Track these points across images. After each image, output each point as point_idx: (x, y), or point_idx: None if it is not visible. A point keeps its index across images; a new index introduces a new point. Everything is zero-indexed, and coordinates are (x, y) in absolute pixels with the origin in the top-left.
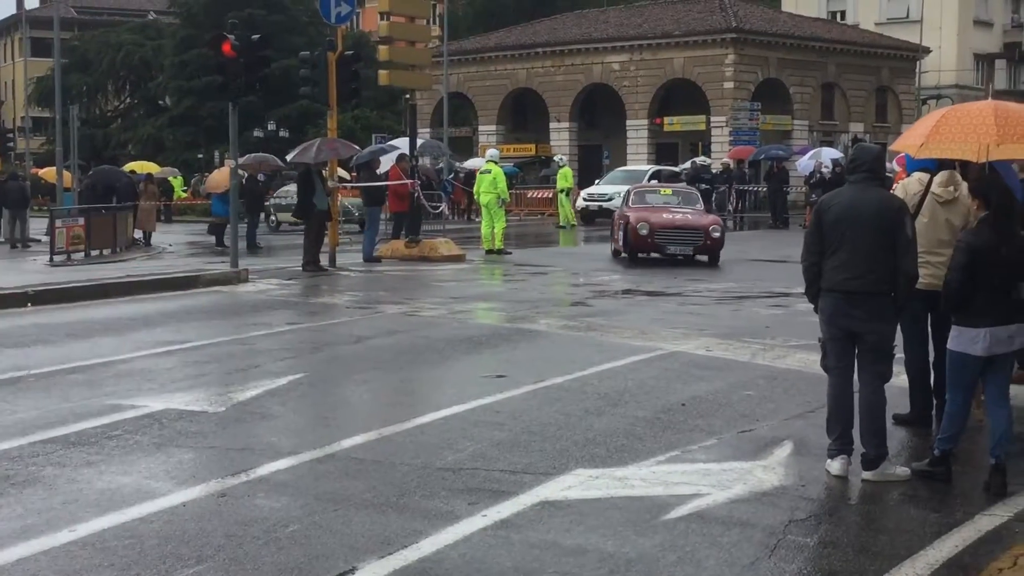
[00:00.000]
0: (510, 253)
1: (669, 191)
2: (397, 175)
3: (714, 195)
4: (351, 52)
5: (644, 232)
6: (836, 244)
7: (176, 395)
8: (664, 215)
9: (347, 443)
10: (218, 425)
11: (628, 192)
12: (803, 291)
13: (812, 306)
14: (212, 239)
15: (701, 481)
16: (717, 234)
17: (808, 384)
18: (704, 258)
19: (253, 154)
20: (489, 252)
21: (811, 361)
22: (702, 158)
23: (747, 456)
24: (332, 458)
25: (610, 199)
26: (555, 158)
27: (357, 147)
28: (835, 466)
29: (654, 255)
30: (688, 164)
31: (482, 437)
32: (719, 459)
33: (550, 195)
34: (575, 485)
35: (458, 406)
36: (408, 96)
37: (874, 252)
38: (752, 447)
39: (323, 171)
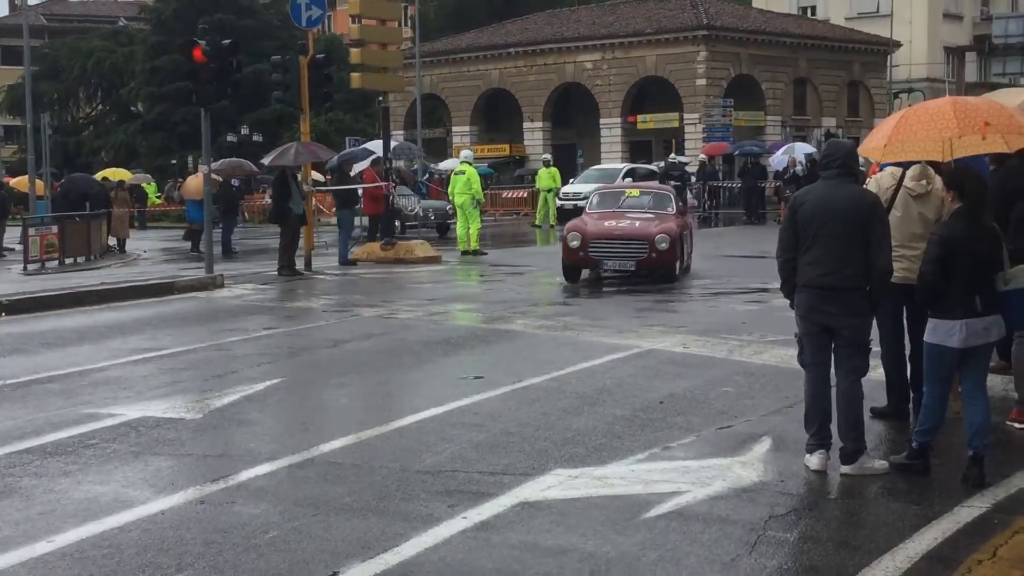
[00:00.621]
0: (486, 254)
1: (637, 192)
2: (372, 178)
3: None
4: (322, 55)
5: (575, 244)
6: (810, 240)
7: (153, 403)
8: (606, 223)
9: (326, 448)
10: (196, 432)
11: (592, 194)
12: (779, 287)
13: (788, 302)
14: (187, 245)
15: (680, 479)
16: (664, 245)
17: (785, 380)
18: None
19: (227, 159)
20: (465, 253)
21: (788, 357)
22: (672, 156)
23: (726, 453)
24: (311, 463)
25: (585, 198)
26: (543, 157)
27: (332, 151)
28: (814, 461)
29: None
30: (662, 162)
31: (461, 439)
32: (698, 456)
33: (525, 195)
34: (555, 485)
35: (436, 408)
36: (381, 99)
37: (848, 247)
38: (731, 443)
39: (298, 175)
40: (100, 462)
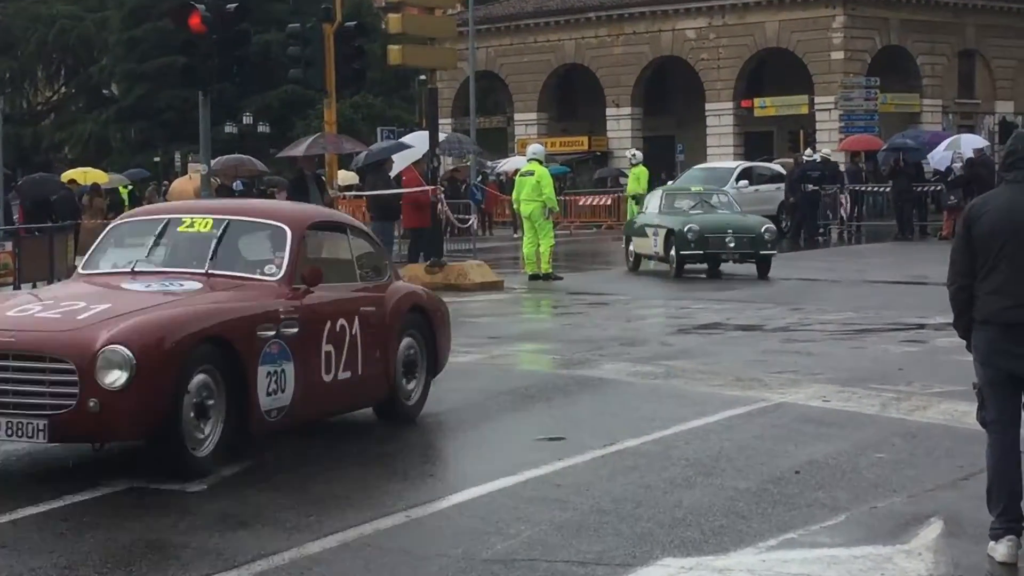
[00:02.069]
0: (561, 278)
1: (203, 223)
2: (414, 180)
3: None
4: (353, 23)
5: None
6: (991, 262)
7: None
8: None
9: (367, 528)
10: (202, 500)
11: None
12: (947, 321)
13: (963, 343)
14: None
15: (826, 572)
16: (117, 379)
17: (959, 443)
18: None
19: (226, 156)
20: (534, 277)
21: (962, 413)
22: (809, 151)
23: (884, 538)
24: (347, 548)
25: None
26: (628, 153)
27: (364, 144)
28: (1000, 550)
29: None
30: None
31: (539, 518)
32: (847, 543)
33: (608, 202)
34: None
35: (506, 478)
36: (424, 78)
37: None
38: (889, 526)
39: (321, 175)
40: (66, 542)
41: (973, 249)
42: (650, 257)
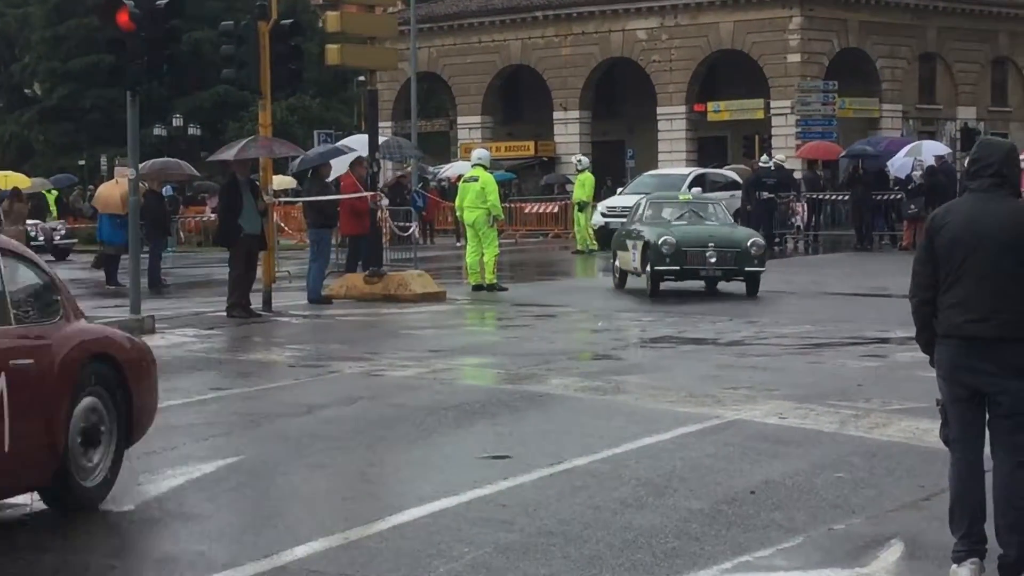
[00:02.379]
0: (506, 289)
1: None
2: (352, 186)
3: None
4: (289, 21)
5: None
6: (954, 275)
7: None
8: None
9: (301, 551)
10: (126, 530)
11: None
12: (908, 336)
13: (924, 357)
14: (100, 275)
15: None
16: None
17: (921, 462)
18: None
19: (155, 159)
20: (477, 288)
21: (923, 431)
22: (765, 157)
23: (842, 562)
24: (283, 572)
25: None
26: (575, 159)
27: (300, 148)
28: (963, 574)
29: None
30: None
31: (484, 540)
32: (805, 566)
33: (555, 209)
34: None
35: (448, 498)
36: (363, 79)
37: (1006, 285)
38: (848, 549)
39: (255, 180)
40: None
41: (936, 260)
42: (636, 273)
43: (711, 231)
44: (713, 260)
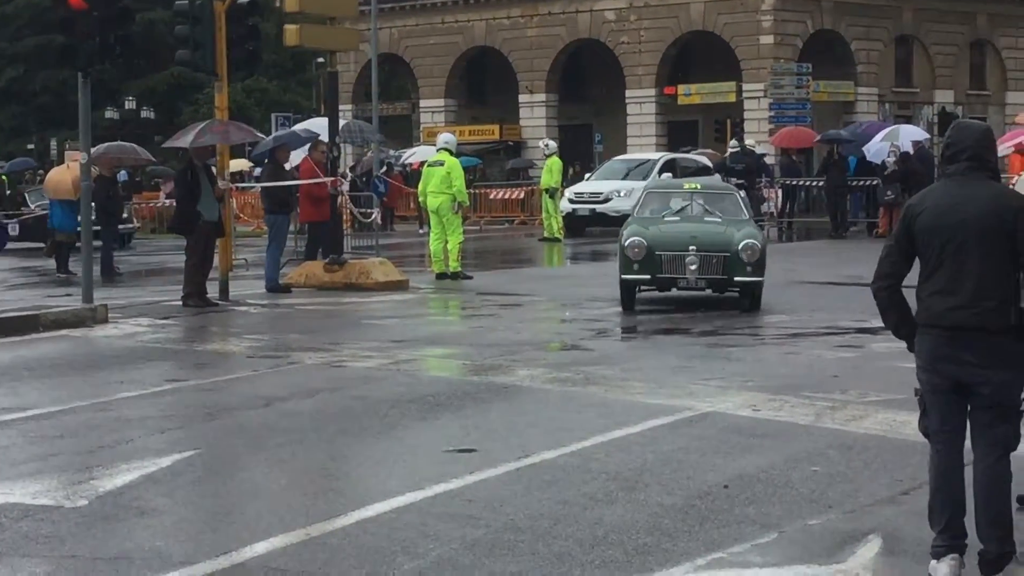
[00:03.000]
0: (470, 277)
1: (696, 185)
2: (310, 171)
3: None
4: (246, 1)
5: None
6: (935, 262)
7: (18, 484)
8: None
9: (260, 548)
10: (80, 525)
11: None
12: (884, 326)
13: (903, 348)
14: (51, 263)
15: None
16: None
17: (898, 455)
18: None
19: (107, 144)
20: (441, 276)
21: (901, 423)
22: (733, 142)
23: (819, 558)
24: (242, 569)
25: (606, 200)
26: (542, 143)
27: (258, 133)
28: (942, 570)
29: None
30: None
31: (449, 536)
32: (780, 562)
33: (520, 195)
34: None
35: (412, 493)
36: (323, 60)
37: (986, 272)
38: (825, 544)
39: (211, 165)
40: None
41: (912, 248)
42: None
43: (696, 230)
44: (694, 267)
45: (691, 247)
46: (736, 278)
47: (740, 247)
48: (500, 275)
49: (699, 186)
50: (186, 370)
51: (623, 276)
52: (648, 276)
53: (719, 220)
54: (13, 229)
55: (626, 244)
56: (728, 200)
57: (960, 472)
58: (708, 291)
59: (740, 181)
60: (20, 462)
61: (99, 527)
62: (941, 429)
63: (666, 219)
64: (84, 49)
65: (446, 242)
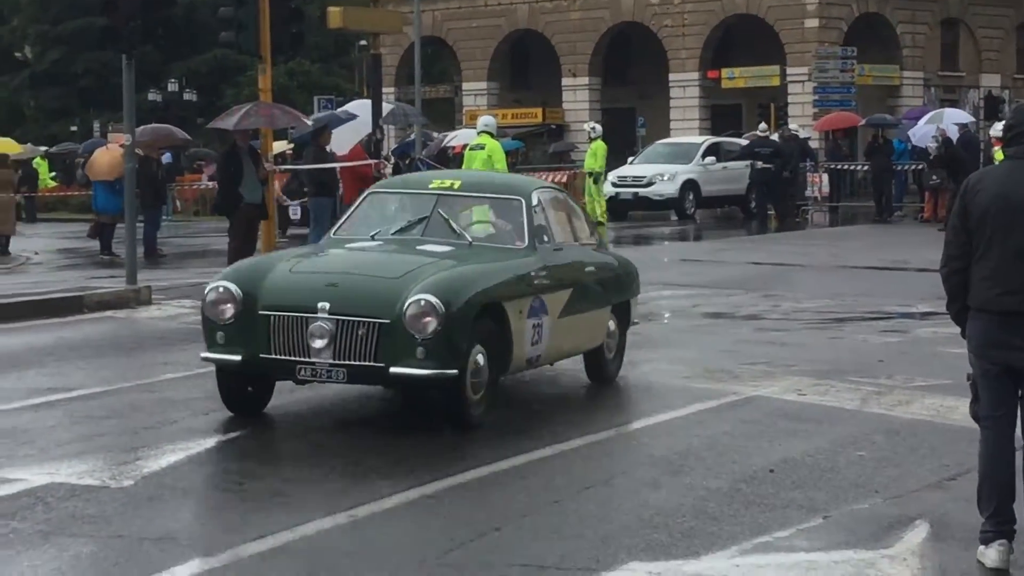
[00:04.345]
0: None
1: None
2: (360, 154)
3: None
4: None
5: None
6: (986, 245)
7: (64, 464)
8: None
9: (310, 528)
10: (125, 505)
11: None
12: (930, 310)
13: (948, 333)
14: (94, 244)
15: None
16: None
17: (946, 440)
18: None
19: (150, 126)
20: None
21: (947, 408)
22: (762, 126)
23: (865, 542)
24: (287, 550)
25: (649, 184)
26: (587, 126)
27: (302, 116)
28: (991, 555)
29: None
30: (774, 135)
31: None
32: (826, 547)
33: (564, 179)
34: None
35: (460, 476)
36: (365, 43)
37: None
38: (872, 530)
39: (255, 147)
40: None
41: (969, 229)
42: None
43: (349, 268)
44: (322, 343)
45: (321, 304)
46: (394, 369)
47: (407, 309)
48: None
49: (457, 184)
50: None
51: (203, 355)
52: (238, 357)
53: (447, 251)
54: None
55: (207, 294)
56: (507, 211)
57: (1011, 457)
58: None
59: (767, 166)
60: (66, 442)
61: (145, 507)
62: (992, 414)
63: (353, 246)
64: (127, 31)
65: None
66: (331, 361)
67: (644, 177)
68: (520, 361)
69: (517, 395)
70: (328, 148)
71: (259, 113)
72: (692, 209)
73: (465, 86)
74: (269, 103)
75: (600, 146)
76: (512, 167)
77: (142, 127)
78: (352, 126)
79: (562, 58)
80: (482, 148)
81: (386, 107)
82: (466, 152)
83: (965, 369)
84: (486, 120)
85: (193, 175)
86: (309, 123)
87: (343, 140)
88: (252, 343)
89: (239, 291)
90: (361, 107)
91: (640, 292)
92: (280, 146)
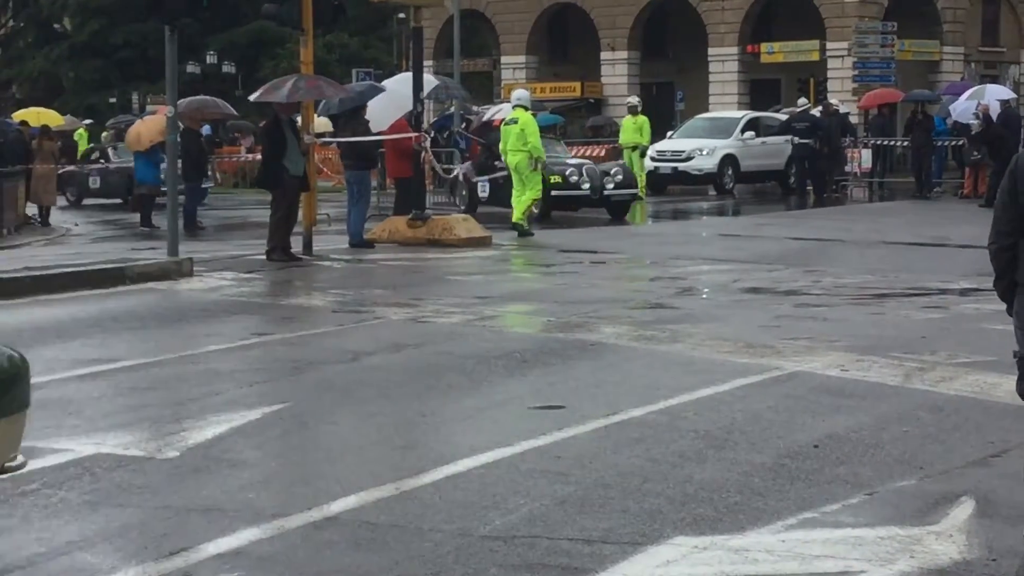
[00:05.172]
0: (531, 234)
1: None
2: (402, 128)
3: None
4: None
5: None
6: None
7: (110, 435)
8: None
9: (352, 501)
10: (171, 476)
11: None
12: (972, 287)
13: (992, 309)
14: (135, 217)
15: (851, 554)
16: None
17: (991, 417)
18: None
19: (190, 98)
20: (514, 227)
21: (991, 385)
22: (802, 100)
23: (911, 519)
24: (334, 522)
25: (688, 158)
26: (631, 99)
27: (342, 88)
28: None
29: None
30: (814, 110)
31: (539, 492)
32: (872, 522)
33: (602, 152)
34: (676, 559)
35: (502, 449)
36: (404, 16)
37: None
38: (917, 506)
39: (294, 120)
40: (44, 516)
41: (1019, 204)
42: None
43: None
44: None
45: None
46: None
47: None
48: (583, 232)
49: None
50: (272, 324)
51: None
52: None
53: None
54: (94, 182)
55: None
56: None
57: None
58: None
59: (805, 141)
60: (111, 413)
61: (190, 478)
62: None
63: None
64: (172, 2)
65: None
66: None
67: (683, 151)
68: None
69: (555, 371)
70: (367, 119)
71: (307, 86)
72: (731, 184)
73: (504, 60)
74: (316, 76)
75: (642, 121)
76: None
77: (188, 99)
78: (387, 99)
79: (601, 32)
80: (515, 122)
81: (431, 81)
82: (502, 127)
83: (1009, 346)
84: (519, 94)
85: (232, 148)
86: (352, 94)
87: (380, 115)
88: None
89: None
90: (405, 81)
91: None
92: (323, 123)
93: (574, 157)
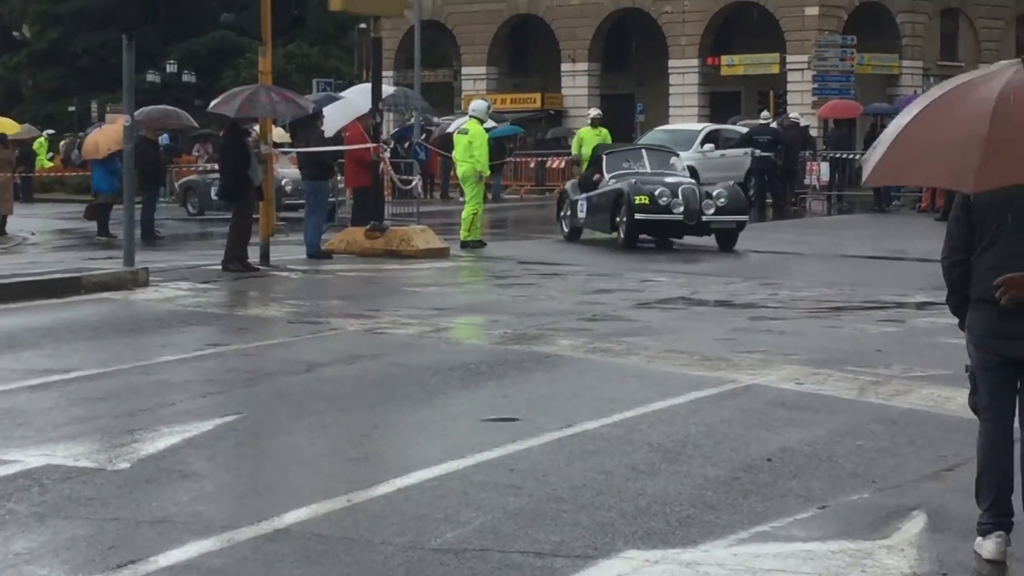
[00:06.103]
0: (483, 244)
1: None
2: (358, 136)
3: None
4: None
5: None
6: (989, 236)
7: (60, 446)
8: None
9: (303, 513)
10: (121, 488)
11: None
12: (928, 300)
13: (947, 323)
14: (91, 226)
15: (802, 568)
16: None
17: (944, 431)
18: None
19: (157, 107)
20: (463, 245)
21: (945, 399)
22: (764, 114)
23: (863, 533)
24: (285, 535)
25: None
26: (590, 113)
27: (306, 106)
28: (988, 547)
29: None
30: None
31: (492, 505)
32: (825, 537)
33: (562, 164)
34: (627, 573)
35: (455, 461)
36: (364, 26)
37: None
38: (869, 520)
39: (248, 130)
40: None
41: (972, 221)
42: None
43: None
44: None
45: None
46: None
47: None
48: (540, 244)
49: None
50: (227, 335)
51: None
52: None
53: None
54: None
55: None
56: None
57: (1009, 449)
58: None
59: (765, 154)
60: (62, 424)
61: (141, 490)
62: (990, 405)
63: None
64: (128, 11)
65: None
66: None
67: None
68: None
69: (510, 383)
70: (323, 130)
71: (261, 100)
72: None
73: (464, 71)
74: (271, 87)
75: (603, 132)
76: (509, 152)
77: (148, 108)
78: (340, 107)
79: (562, 43)
80: (465, 133)
81: (388, 91)
82: (455, 137)
83: (963, 359)
84: (475, 105)
85: (191, 158)
86: (310, 109)
87: (331, 122)
88: None
89: None
90: (361, 91)
91: None
92: (280, 134)
93: (678, 175)
